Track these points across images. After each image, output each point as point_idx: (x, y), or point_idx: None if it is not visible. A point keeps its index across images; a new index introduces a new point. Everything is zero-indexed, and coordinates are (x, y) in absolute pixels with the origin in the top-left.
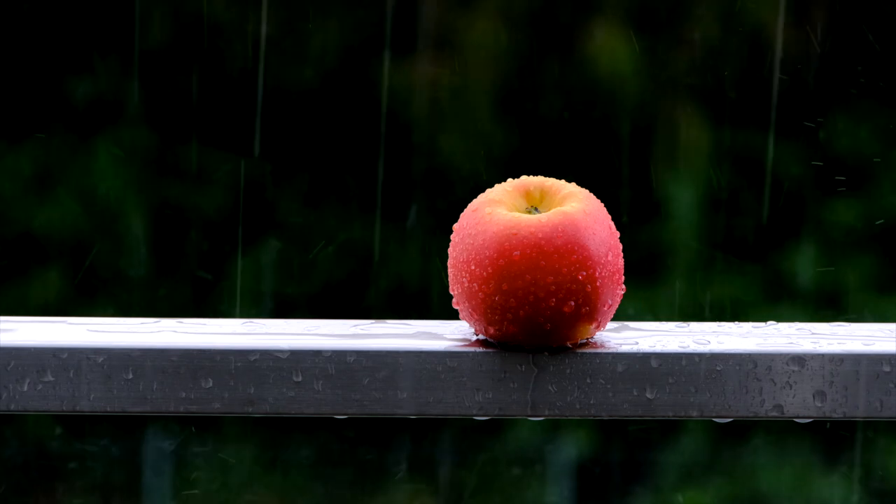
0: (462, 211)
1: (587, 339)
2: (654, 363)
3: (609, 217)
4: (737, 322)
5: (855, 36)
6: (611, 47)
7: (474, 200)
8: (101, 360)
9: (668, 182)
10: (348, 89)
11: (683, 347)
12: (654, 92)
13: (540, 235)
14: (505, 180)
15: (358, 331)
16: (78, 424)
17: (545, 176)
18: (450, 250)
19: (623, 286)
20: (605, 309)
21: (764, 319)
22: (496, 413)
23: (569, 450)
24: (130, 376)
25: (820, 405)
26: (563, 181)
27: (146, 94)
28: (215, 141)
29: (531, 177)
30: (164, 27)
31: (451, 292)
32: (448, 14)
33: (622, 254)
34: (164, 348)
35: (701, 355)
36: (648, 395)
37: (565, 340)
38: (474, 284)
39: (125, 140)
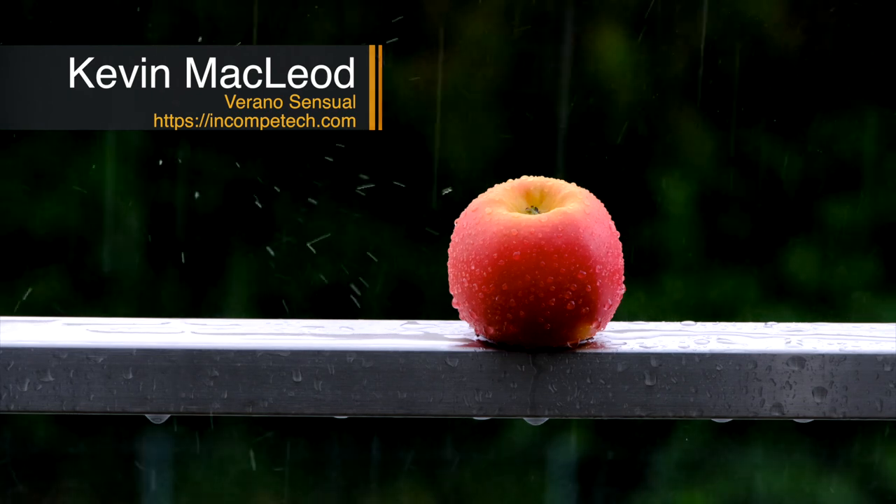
0: (461, 211)
1: (587, 339)
2: (654, 363)
3: (609, 217)
4: (736, 322)
5: (855, 35)
6: (610, 47)
7: (474, 200)
8: (101, 360)
9: (668, 182)
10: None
11: (683, 347)
12: (654, 91)
13: (540, 235)
14: (505, 180)
15: (358, 331)
16: (77, 424)
17: (545, 176)
18: (450, 250)
19: (623, 286)
20: (605, 309)
21: (764, 319)
22: (496, 413)
23: (569, 450)
24: (130, 376)
25: (820, 405)
26: (563, 181)
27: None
28: (215, 141)
29: (531, 177)
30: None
31: (452, 292)
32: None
33: (622, 254)
34: (164, 348)
35: (701, 355)
36: (648, 395)
37: (565, 340)
38: (474, 284)
39: (124, 139)
